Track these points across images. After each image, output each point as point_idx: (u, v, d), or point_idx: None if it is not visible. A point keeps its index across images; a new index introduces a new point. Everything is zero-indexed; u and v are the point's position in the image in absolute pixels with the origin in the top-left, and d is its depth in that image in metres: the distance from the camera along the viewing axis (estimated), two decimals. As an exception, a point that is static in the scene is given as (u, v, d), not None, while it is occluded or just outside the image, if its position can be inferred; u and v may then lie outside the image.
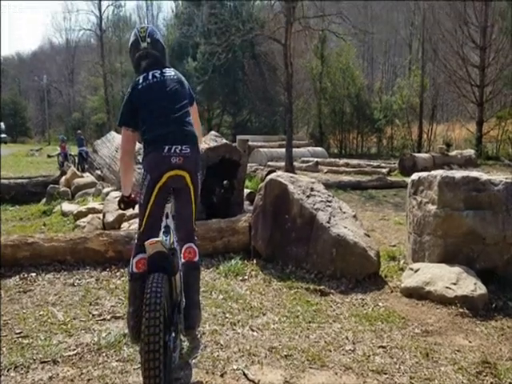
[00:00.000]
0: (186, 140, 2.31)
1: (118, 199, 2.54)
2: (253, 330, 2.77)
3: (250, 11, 28.35)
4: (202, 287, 3.43)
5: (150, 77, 2.41)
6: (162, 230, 2.37)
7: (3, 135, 53.44)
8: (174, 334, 2.05)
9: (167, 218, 2.45)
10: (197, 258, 2.41)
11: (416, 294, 3.35)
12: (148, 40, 2.47)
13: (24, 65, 66.51)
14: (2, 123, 55.16)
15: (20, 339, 2.59)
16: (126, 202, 2.47)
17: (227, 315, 2.98)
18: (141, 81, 2.41)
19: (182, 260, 2.37)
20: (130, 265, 2.29)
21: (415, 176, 3.97)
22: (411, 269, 3.63)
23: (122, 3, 40.09)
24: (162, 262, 2.06)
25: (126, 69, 37.12)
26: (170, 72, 2.49)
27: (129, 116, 2.39)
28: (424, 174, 3.91)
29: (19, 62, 70.22)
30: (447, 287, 3.21)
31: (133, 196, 2.45)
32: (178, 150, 2.25)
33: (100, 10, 36.82)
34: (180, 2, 34.87)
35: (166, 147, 2.24)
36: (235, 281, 3.65)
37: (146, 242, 2.08)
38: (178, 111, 2.37)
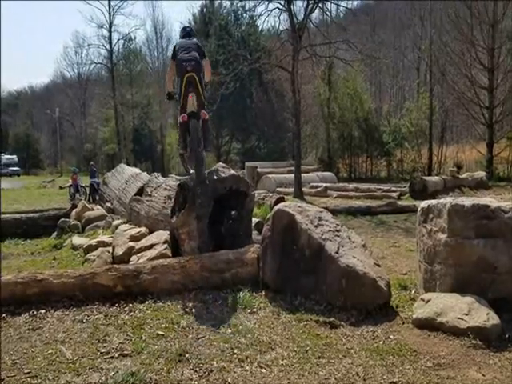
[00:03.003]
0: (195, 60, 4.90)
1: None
2: (261, 367, 2.73)
3: (257, 41, 29.02)
4: (211, 321, 3.42)
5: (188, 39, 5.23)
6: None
7: (16, 168, 54.63)
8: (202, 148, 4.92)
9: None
10: (207, 117, 5.03)
11: (428, 325, 3.28)
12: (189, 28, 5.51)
13: (36, 98, 68.45)
14: (15, 156, 56.45)
15: (28, 379, 2.59)
16: (168, 95, 5.26)
17: (235, 351, 2.94)
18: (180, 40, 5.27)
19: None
20: (180, 116, 4.92)
21: (424, 204, 3.95)
22: (422, 299, 3.57)
23: (132, 36, 41.22)
24: (193, 116, 4.82)
25: (136, 100, 38.01)
26: (193, 40, 5.23)
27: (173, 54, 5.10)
28: (433, 201, 3.89)
29: (32, 95, 72.31)
30: (459, 318, 3.15)
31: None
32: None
33: (111, 43, 37.99)
34: (188, 35, 35.90)
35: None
36: (244, 314, 3.61)
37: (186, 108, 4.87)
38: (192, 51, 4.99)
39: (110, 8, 36.98)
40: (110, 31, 37.57)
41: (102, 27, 37.62)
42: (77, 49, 48.58)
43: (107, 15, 37.22)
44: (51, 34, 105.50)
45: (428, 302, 3.48)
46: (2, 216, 8.80)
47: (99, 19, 37.15)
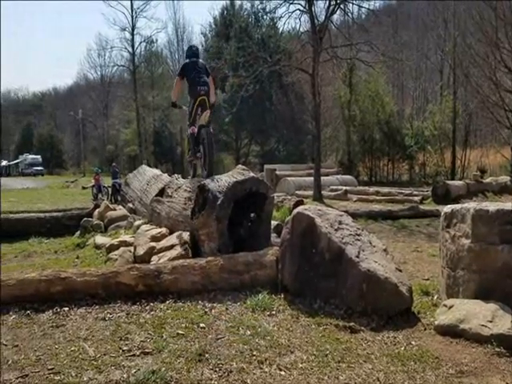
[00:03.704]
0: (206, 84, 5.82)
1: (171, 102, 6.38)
2: (280, 370, 2.72)
3: (278, 43, 29.03)
4: (230, 322, 3.43)
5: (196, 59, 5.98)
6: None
7: (40, 168, 55.91)
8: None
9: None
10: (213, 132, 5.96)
11: (450, 331, 3.23)
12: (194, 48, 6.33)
13: (60, 100, 69.99)
14: (39, 156, 57.79)
15: (52, 375, 2.64)
16: (173, 104, 6.24)
17: (254, 352, 2.95)
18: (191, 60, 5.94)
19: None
20: (190, 129, 5.98)
21: (448, 208, 3.88)
22: (445, 305, 3.51)
23: (154, 39, 41.79)
24: (204, 127, 5.73)
25: (157, 103, 38.48)
26: (201, 61, 6.05)
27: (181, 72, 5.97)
28: (457, 206, 3.82)
29: (56, 97, 73.98)
30: (482, 325, 3.09)
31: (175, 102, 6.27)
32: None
33: (133, 46, 38.61)
34: (209, 37, 36.22)
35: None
36: (262, 316, 3.61)
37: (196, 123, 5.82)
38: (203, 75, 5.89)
39: (132, 11, 37.64)
40: (132, 34, 38.23)
41: (124, 30, 38.30)
42: (100, 51, 49.58)
43: (130, 18, 37.91)
44: (75, 36, 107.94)
45: (451, 308, 3.42)
46: (27, 215, 9.04)
47: (122, 22, 38.06)
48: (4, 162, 61.90)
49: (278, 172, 18.58)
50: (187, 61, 5.94)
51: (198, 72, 5.80)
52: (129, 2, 37.80)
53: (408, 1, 32.04)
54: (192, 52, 6.04)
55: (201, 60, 6.05)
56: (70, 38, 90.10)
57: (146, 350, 2.96)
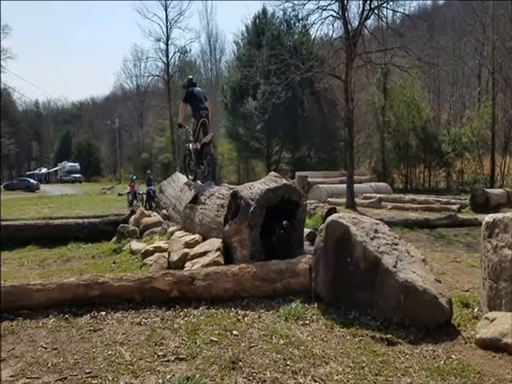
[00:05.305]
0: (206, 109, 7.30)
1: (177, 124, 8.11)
2: (315, 381, 2.67)
3: (310, 49, 28.93)
4: (263, 330, 3.41)
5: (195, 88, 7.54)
6: None
7: (78, 175, 57.83)
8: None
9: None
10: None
11: (492, 345, 3.09)
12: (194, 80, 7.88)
13: (98, 109, 72.39)
14: (78, 164, 59.81)
15: (89, 379, 2.69)
16: (179, 125, 7.87)
17: (288, 362, 2.91)
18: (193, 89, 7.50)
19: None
20: (194, 144, 7.40)
21: (490, 218, 3.73)
22: (487, 318, 3.36)
23: (187, 49, 42.64)
24: (206, 145, 7.22)
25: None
26: (199, 89, 7.63)
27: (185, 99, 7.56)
28: (499, 215, 3.67)
29: (93, 106, 76.59)
30: (529, 340, 2.93)
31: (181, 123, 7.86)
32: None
33: (167, 56, 39.53)
34: (241, 45, 36.57)
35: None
36: (296, 325, 3.57)
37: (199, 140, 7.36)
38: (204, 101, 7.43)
39: (167, 22, 38.62)
40: (166, 44, 39.17)
41: (159, 40, 39.32)
42: (136, 62, 51.06)
43: (164, 29, 38.87)
44: (112, 47, 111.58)
45: (493, 321, 3.27)
46: (65, 220, 9.34)
47: (157, 33, 38.97)
48: (44, 170, 64.57)
49: (309, 179, 18.45)
50: (190, 89, 7.44)
51: (200, 99, 7.36)
52: (164, 13, 38.76)
53: (446, 1, 31.23)
54: (192, 82, 7.62)
55: (199, 88, 7.67)
56: (108, 49, 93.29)
57: (181, 356, 2.98)
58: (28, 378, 2.70)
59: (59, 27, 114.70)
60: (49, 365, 2.86)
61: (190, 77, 8.08)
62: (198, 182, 7.70)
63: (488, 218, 3.76)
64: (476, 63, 27.73)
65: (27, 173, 59.98)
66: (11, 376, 2.73)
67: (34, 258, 7.13)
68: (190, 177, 7.98)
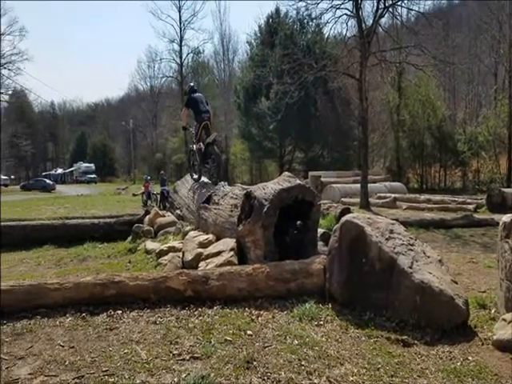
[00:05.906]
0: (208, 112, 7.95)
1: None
2: (330, 382, 2.66)
3: (323, 49, 28.79)
4: (277, 331, 3.41)
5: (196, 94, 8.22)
6: None
7: (93, 175, 58.53)
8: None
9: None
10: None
11: (510, 347, 3.05)
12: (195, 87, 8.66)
13: (112, 110, 73.17)
14: (93, 164, 60.52)
15: (106, 377, 2.72)
16: (184, 128, 8.94)
17: (303, 363, 2.90)
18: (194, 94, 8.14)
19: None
20: (197, 145, 7.99)
21: (507, 218, 3.67)
22: (504, 319, 3.31)
23: (200, 50, 42.86)
24: (210, 145, 7.69)
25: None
26: (200, 94, 8.30)
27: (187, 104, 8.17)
28: (516, 215, 3.61)
29: (108, 107, 77.44)
30: (549, 343, 2.87)
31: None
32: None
33: (181, 57, 39.82)
34: (254, 45, 36.60)
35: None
36: (310, 325, 3.55)
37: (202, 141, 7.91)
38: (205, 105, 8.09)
39: (180, 23, 38.94)
40: (180, 45, 39.49)
41: (173, 42, 39.64)
42: (149, 63, 51.53)
43: (178, 30, 39.14)
44: (126, 49, 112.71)
45: (510, 322, 3.22)
46: (81, 220, 9.46)
47: (171, 34, 39.33)
48: (60, 170, 65.58)
49: (323, 179, 18.36)
50: (192, 95, 8.04)
51: (202, 103, 7.96)
52: (177, 14, 39.04)
53: (461, 0, 30.80)
54: (194, 89, 8.29)
55: (199, 93, 8.32)
56: (122, 51, 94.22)
57: (196, 355, 3.00)
58: (46, 376, 2.74)
59: (75, 28, 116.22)
60: (66, 363, 2.90)
61: (191, 84, 8.77)
62: (204, 179, 8.08)
63: (505, 218, 3.70)
64: (492, 61, 27.29)
65: (43, 173, 60.95)
66: (29, 374, 2.77)
67: (50, 257, 7.25)
68: (194, 176, 8.30)
